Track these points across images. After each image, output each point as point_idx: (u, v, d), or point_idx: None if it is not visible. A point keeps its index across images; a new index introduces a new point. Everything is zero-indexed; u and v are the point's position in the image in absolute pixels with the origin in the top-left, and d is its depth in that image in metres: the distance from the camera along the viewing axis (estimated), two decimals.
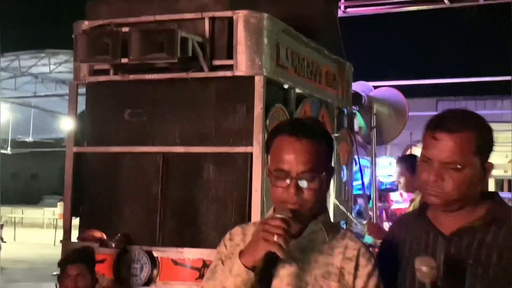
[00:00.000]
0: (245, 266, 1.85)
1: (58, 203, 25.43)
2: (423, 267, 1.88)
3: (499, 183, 25.59)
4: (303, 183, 1.95)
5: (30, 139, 24.73)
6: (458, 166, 1.95)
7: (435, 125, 2.00)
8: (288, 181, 1.95)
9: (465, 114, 2.05)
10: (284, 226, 1.84)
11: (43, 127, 23.87)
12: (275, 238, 1.81)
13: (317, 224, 2.02)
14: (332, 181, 5.56)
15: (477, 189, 2.03)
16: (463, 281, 1.96)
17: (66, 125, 20.58)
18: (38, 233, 22.87)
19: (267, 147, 2.08)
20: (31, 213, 28.99)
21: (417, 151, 16.57)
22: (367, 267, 1.98)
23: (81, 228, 4.94)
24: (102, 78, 4.89)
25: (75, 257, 4.41)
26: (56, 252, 15.30)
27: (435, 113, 2.19)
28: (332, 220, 2.21)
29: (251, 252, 1.86)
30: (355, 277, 1.96)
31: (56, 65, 18.33)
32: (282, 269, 1.93)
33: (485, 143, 2.01)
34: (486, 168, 2.01)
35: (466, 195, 1.99)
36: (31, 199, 35.76)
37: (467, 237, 2.00)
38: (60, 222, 21.07)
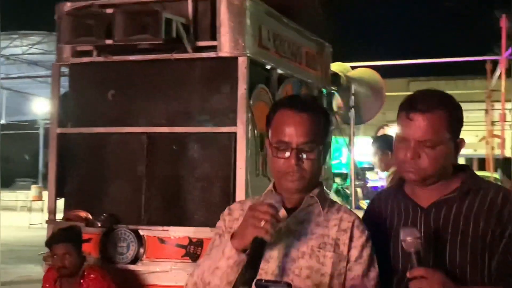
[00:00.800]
0: (236, 249, 1.91)
1: (32, 186, 25.20)
2: (408, 238, 1.96)
3: (469, 162, 25.99)
4: (303, 154, 2.03)
5: (2, 121, 24.39)
6: (433, 144, 2.04)
7: (409, 106, 2.08)
8: (288, 152, 2.03)
9: (437, 94, 2.14)
10: (272, 211, 1.90)
11: (15, 109, 23.56)
12: (262, 223, 1.87)
13: (312, 198, 2.10)
14: None
15: (450, 164, 2.13)
16: (443, 250, 2.04)
17: (39, 107, 20.32)
18: (12, 216, 22.61)
19: (268, 122, 2.15)
20: (4, 196, 28.63)
21: (389, 130, 16.74)
22: (361, 238, 2.06)
23: (66, 208, 4.95)
24: (85, 59, 4.88)
25: (61, 237, 4.43)
26: (31, 235, 15.21)
27: (407, 93, 2.28)
28: None
29: (240, 237, 1.92)
30: (349, 247, 2.04)
31: (29, 46, 18.07)
32: (279, 240, 2.00)
33: (456, 121, 2.10)
34: (458, 143, 2.11)
35: (441, 170, 2.09)
36: (3, 182, 35.30)
37: (444, 209, 2.09)
38: (34, 205, 20.97)
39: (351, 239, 2.05)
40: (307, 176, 2.04)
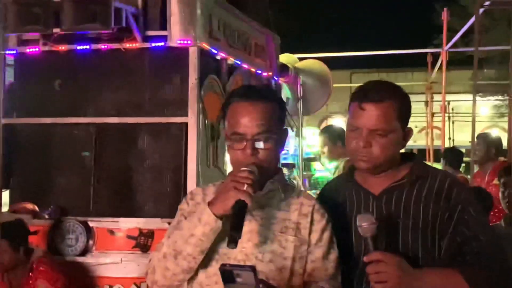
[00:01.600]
0: (215, 215, 1.94)
1: None
2: (364, 224, 2.00)
3: (409, 152, 26.56)
4: (259, 144, 2.05)
5: None
6: (384, 132, 2.09)
7: (361, 96, 2.13)
8: (244, 143, 2.05)
9: (388, 85, 2.19)
10: (252, 176, 1.94)
11: None
12: (245, 187, 1.91)
13: (274, 183, 2.13)
14: None
15: (399, 152, 2.20)
16: (396, 235, 2.09)
17: None
18: None
19: (223, 113, 2.16)
20: None
21: (332, 122, 16.93)
22: (321, 222, 2.10)
23: (12, 200, 4.86)
24: (32, 48, 4.77)
25: (11, 231, 4.34)
26: None
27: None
28: None
29: (221, 201, 1.95)
30: (310, 231, 2.08)
31: None
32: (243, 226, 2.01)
33: (405, 110, 2.16)
34: (407, 132, 2.17)
35: (391, 157, 2.14)
36: None
37: (395, 195, 2.14)
38: None
39: (311, 223, 2.09)
40: (264, 165, 2.05)
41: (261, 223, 2.06)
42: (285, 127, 2.21)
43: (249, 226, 2.04)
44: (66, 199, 4.70)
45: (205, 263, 2.04)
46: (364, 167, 2.15)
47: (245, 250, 2.03)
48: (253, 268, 1.80)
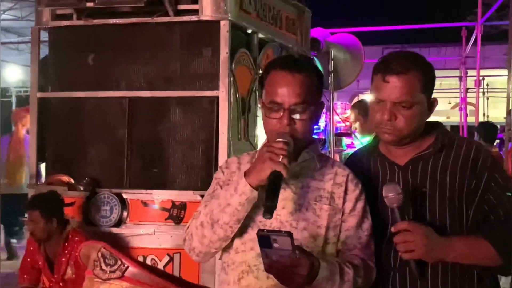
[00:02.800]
0: (250, 186, 1.96)
1: None
2: (390, 194, 2.02)
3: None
4: (296, 115, 2.06)
5: None
6: (408, 104, 2.08)
7: (384, 69, 2.11)
8: (281, 112, 2.06)
9: (410, 56, 2.16)
10: (287, 148, 1.95)
11: None
12: (280, 158, 1.92)
13: (309, 153, 2.15)
14: None
15: (423, 122, 2.18)
16: (422, 205, 2.10)
17: (11, 74, 20.02)
18: None
19: (261, 82, 2.18)
20: None
21: (363, 97, 16.79)
22: (355, 192, 2.12)
23: (48, 173, 4.95)
24: (65, 22, 4.82)
25: (32, 203, 4.44)
26: None
27: None
28: None
29: (257, 172, 1.96)
30: (344, 200, 2.10)
31: (1, 11, 17.74)
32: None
33: (429, 81, 2.14)
34: (432, 103, 2.16)
35: (416, 129, 2.14)
36: None
37: (421, 165, 2.14)
38: None
39: (345, 192, 2.11)
40: (299, 136, 2.07)
41: (295, 192, 2.08)
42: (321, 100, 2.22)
43: (284, 194, 2.06)
44: (100, 172, 4.76)
45: (240, 230, 2.07)
46: (389, 140, 2.14)
47: (280, 218, 2.06)
48: (290, 234, 1.81)
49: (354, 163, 2.34)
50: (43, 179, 5.09)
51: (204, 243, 2.07)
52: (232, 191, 2.00)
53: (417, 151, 2.16)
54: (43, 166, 5.04)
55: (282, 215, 2.07)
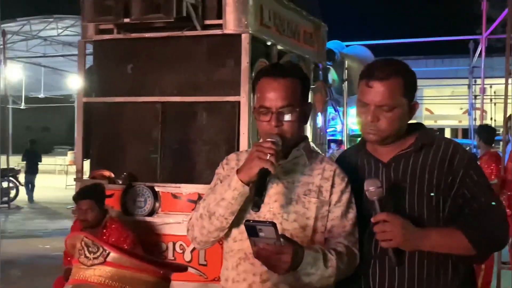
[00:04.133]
0: (242, 181, 1.93)
1: (68, 152, 25.39)
2: (371, 188, 1.96)
3: (454, 132, 25.88)
4: (283, 117, 2.02)
5: (41, 95, 24.48)
6: (390, 108, 2.02)
7: (368, 75, 2.05)
8: (269, 115, 2.02)
9: (393, 63, 2.09)
10: (274, 147, 1.92)
11: (52, 84, 23.60)
12: (268, 156, 1.89)
13: (299, 150, 2.10)
14: (309, 127, 5.67)
15: (405, 124, 2.12)
16: (403, 198, 2.04)
17: (73, 82, 20.35)
18: (51, 178, 22.88)
19: (253, 88, 2.15)
20: (44, 161, 28.88)
21: None
22: (341, 185, 2.07)
23: (92, 168, 4.99)
24: (106, 36, 4.87)
25: (85, 194, 4.49)
26: (67, 194, 15.39)
27: None
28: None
29: (247, 169, 1.93)
30: (331, 193, 2.05)
31: (63, 29, 18.02)
32: (270, 188, 2.01)
33: (410, 86, 2.07)
34: (412, 106, 2.09)
35: (397, 130, 2.07)
36: (44, 149, 35.57)
37: (402, 162, 2.08)
38: (70, 169, 21.20)
39: (332, 185, 2.06)
40: (287, 136, 2.03)
41: (286, 186, 2.05)
42: (308, 100, 2.18)
43: (276, 189, 2.03)
44: (136, 167, 4.79)
45: (238, 221, 2.03)
46: (373, 139, 2.09)
47: (272, 210, 2.03)
48: (273, 224, 1.78)
49: (344, 159, 2.29)
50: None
51: (203, 233, 2.05)
52: (226, 187, 1.98)
53: (400, 150, 2.10)
54: (87, 163, 5.08)
55: (275, 207, 2.03)
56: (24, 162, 16.77)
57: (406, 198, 2.03)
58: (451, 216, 2.00)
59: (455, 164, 2.02)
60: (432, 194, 2.01)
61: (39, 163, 17.23)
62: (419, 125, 2.19)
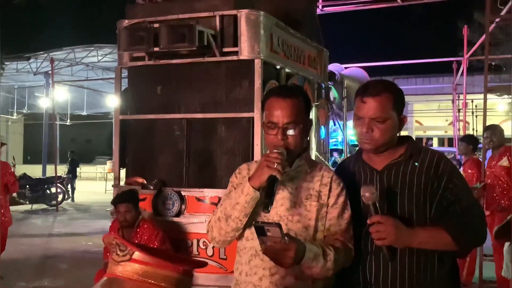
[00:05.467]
0: (253, 187, 1.94)
1: (107, 161, 25.47)
2: (366, 193, 1.95)
3: (441, 141, 25.67)
4: (288, 131, 2.02)
5: (84, 112, 24.71)
6: (382, 120, 2.01)
7: (362, 92, 2.05)
8: (276, 130, 2.03)
9: (383, 82, 2.09)
10: (281, 157, 1.93)
11: (93, 103, 23.83)
12: (275, 165, 1.90)
13: (301, 160, 2.10)
14: (313, 138, 5.66)
15: (396, 135, 2.10)
16: (395, 202, 2.02)
17: (111, 101, 20.56)
18: (92, 184, 23.02)
19: (262, 106, 2.15)
20: (86, 169, 29.12)
21: None
22: (337, 189, 2.06)
23: (127, 175, 5.01)
24: (139, 63, 4.91)
25: (123, 198, 4.51)
26: (106, 198, 15.49)
27: None
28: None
29: (257, 176, 1.94)
30: (328, 197, 2.05)
31: (102, 56, 18.21)
32: (277, 194, 2.01)
33: (399, 102, 2.06)
34: (402, 119, 2.08)
35: (389, 140, 2.06)
36: (86, 158, 35.80)
37: (394, 170, 2.06)
38: (109, 176, 21.30)
39: (330, 190, 2.06)
40: (291, 147, 2.03)
41: (290, 192, 2.05)
42: (309, 117, 2.18)
43: (282, 194, 2.03)
44: (165, 174, 4.80)
45: (249, 222, 2.04)
46: (368, 148, 2.08)
47: (279, 213, 2.04)
48: (278, 225, 1.79)
49: (343, 167, 2.29)
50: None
51: (221, 234, 2.06)
52: (240, 192, 1.98)
53: (391, 159, 2.09)
54: (123, 171, 5.11)
55: (281, 210, 2.03)
56: (67, 168, 17.01)
57: (397, 201, 2.02)
58: (436, 216, 1.99)
59: (439, 172, 2.01)
60: (420, 197, 2.00)
61: (78, 169, 17.59)
62: (408, 138, 2.19)
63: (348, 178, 2.13)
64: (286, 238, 1.80)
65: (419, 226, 1.97)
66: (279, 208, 2.03)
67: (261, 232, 1.80)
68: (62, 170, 17.22)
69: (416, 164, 2.05)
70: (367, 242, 2.03)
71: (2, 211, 6.40)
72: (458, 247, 1.93)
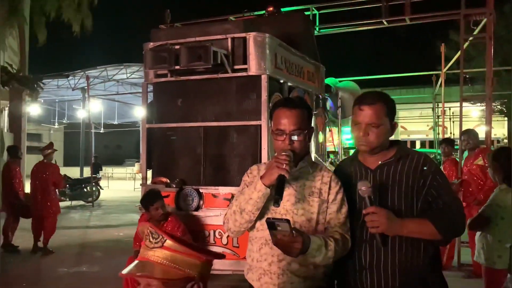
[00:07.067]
0: (264, 185, 1.94)
1: (136, 163, 25.60)
2: (363, 187, 1.94)
3: (423, 143, 25.52)
4: (294, 137, 2.02)
5: (115, 122, 24.81)
6: (376, 125, 2.00)
7: (360, 101, 2.05)
8: (284, 136, 2.02)
9: (378, 93, 2.08)
10: (288, 159, 1.92)
11: (123, 114, 23.94)
12: (284, 166, 1.89)
13: (304, 162, 2.09)
14: (313, 141, 5.65)
15: (388, 139, 2.09)
16: (386, 197, 2.01)
17: (138, 112, 20.63)
18: (123, 183, 23.08)
19: (270, 116, 2.14)
20: (118, 170, 29.23)
21: None
22: (336, 187, 2.05)
23: (153, 176, 5.03)
24: (162, 79, 4.92)
25: (156, 196, 4.43)
26: (134, 195, 15.50)
27: None
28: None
29: (268, 175, 1.93)
30: (328, 193, 2.04)
31: (131, 73, 18.29)
32: (284, 192, 2.00)
33: (391, 110, 2.05)
34: (393, 125, 2.08)
35: (383, 142, 2.05)
36: (117, 161, 35.97)
37: (386, 169, 2.05)
38: (137, 176, 21.38)
39: (329, 188, 2.05)
40: (297, 151, 2.03)
41: (295, 189, 2.04)
42: (311, 125, 2.17)
43: (288, 191, 2.02)
44: (186, 174, 4.81)
45: (260, 215, 2.03)
46: (364, 150, 2.08)
47: (285, 207, 2.02)
48: (287, 221, 1.78)
49: (342, 166, 2.28)
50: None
51: (236, 225, 2.05)
52: (253, 189, 1.98)
53: (384, 159, 2.08)
54: (149, 172, 5.12)
55: (287, 205, 2.02)
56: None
57: (388, 196, 2.01)
58: (422, 210, 1.98)
59: (425, 171, 1.99)
60: (408, 193, 1.99)
61: (100, 170, 18.10)
62: (398, 142, 2.18)
63: (346, 175, 2.13)
64: (294, 232, 1.79)
65: (407, 217, 1.96)
66: (286, 203, 2.02)
67: (272, 226, 1.79)
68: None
69: (405, 164, 2.03)
70: (362, 231, 2.02)
71: (52, 203, 7.04)
72: (441, 236, 1.91)
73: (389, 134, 2.07)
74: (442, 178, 1.99)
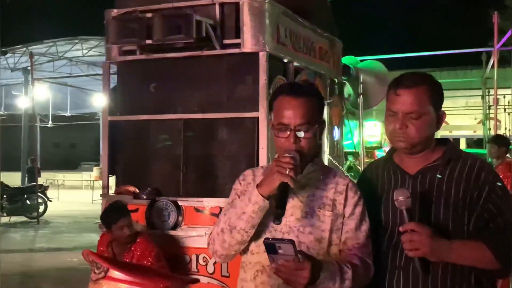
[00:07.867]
0: (262, 196, 1.94)
1: (94, 168, 25.58)
2: (400, 197, 1.96)
3: (470, 141, 25.57)
4: (300, 133, 2.03)
5: (67, 113, 24.80)
6: (417, 115, 2.02)
7: (396, 84, 2.06)
8: (288, 132, 2.03)
9: (419, 74, 2.11)
10: (293, 162, 1.93)
11: (78, 103, 23.94)
12: (287, 171, 1.90)
13: (313, 166, 2.11)
14: (326, 139, 5.66)
15: (433, 134, 2.11)
16: (429, 210, 2.02)
17: (98, 101, 20.72)
18: (78, 194, 23.06)
19: (270, 106, 2.15)
20: (71, 176, 29.16)
21: None
22: (354, 198, 2.07)
23: (117, 184, 5.01)
24: (130, 57, 4.91)
25: (121, 212, 4.38)
26: (93, 209, 15.49)
27: None
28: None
29: (267, 183, 1.94)
30: (344, 206, 2.06)
31: (88, 49, 18.31)
32: (287, 204, 2.00)
33: (437, 96, 2.07)
34: (440, 115, 2.09)
35: (426, 138, 2.06)
36: (71, 165, 35.91)
37: (429, 175, 2.07)
38: (96, 184, 21.37)
39: (345, 199, 2.06)
40: (304, 151, 2.04)
41: (302, 200, 2.05)
42: (324, 118, 2.18)
43: (292, 203, 2.03)
44: (160, 182, 4.79)
45: (256, 235, 2.04)
46: (402, 147, 2.08)
47: (288, 223, 2.04)
48: (292, 242, 1.79)
49: (371, 169, 2.29)
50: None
51: (224, 247, 2.06)
52: (247, 201, 1.98)
53: (427, 163, 2.09)
54: (112, 179, 5.11)
55: (291, 221, 2.04)
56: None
57: (432, 210, 2.02)
58: (475, 230, 1.98)
59: (481, 180, 2.01)
60: (458, 207, 2.00)
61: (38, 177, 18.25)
62: (446, 140, 2.19)
63: (375, 182, 2.14)
64: (299, 256, 1.80)
65: (455, 239, 1.97)
66: (289, 218, 2.03)
67: (271, 249, 1.80)
68: (45, 178, 17.28)
69: (455, 170, 2.05)
70: (396, 255, 2.03)
71: None
72: (499, 266, 1.92)
73: (434, 128, 2.08)
74: (502, 190, 2.01)
